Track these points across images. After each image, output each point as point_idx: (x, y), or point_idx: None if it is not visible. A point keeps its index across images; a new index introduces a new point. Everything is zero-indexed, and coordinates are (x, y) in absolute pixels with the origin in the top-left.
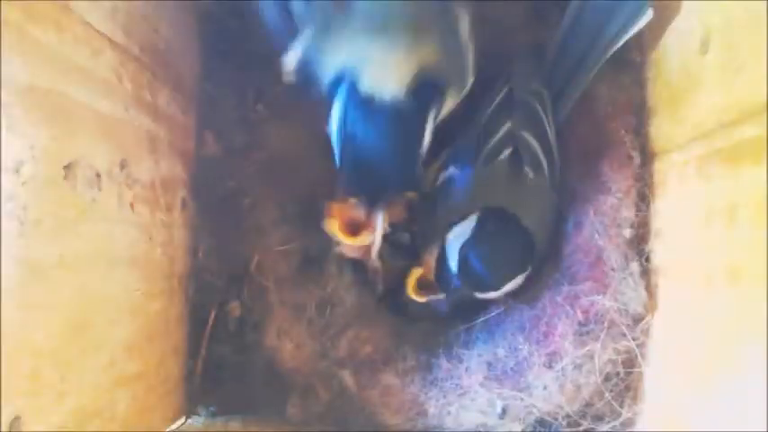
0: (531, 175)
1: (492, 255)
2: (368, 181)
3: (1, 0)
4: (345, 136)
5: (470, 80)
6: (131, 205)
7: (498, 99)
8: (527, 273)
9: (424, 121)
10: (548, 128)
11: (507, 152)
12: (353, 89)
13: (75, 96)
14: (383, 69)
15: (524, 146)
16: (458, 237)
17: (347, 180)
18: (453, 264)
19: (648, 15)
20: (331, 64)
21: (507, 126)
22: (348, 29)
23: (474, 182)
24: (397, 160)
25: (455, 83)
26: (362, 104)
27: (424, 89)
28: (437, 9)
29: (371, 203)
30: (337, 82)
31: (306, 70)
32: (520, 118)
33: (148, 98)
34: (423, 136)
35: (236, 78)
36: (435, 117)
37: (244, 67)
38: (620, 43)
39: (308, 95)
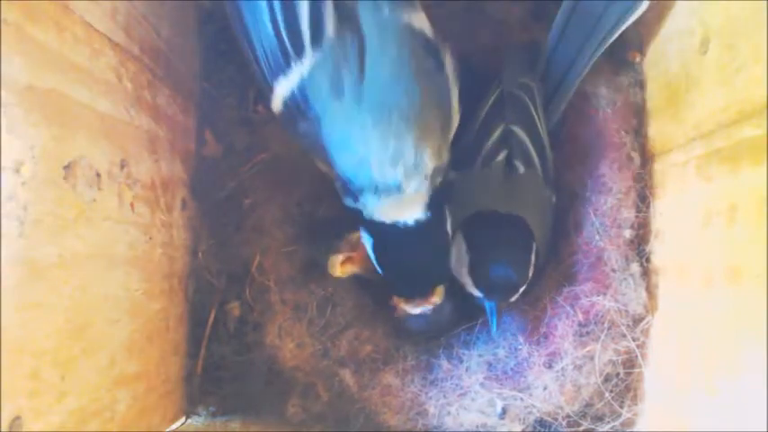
0: (521, 169)
1: (508, 257)
2: (411, 283)
3: (1, 0)
4: (379, 253)
5: (456, 123)
6: (131, 205)
7: (492, 100)
8: (535, 249)
9: (445, 223)
10: (537, 121)
11: (504, 154)
12: (378, 227)
13: (75, 96)
14: (401, 204)
15: (514, 140)
16: (458, 263)
17: (395, 289)
18: (472, 289)
19: (644, 6)
20: (341, 153)
21: (502, 127)
22: (358, 105)
23: (473, 185)
24: (431, 263)
25: (447, 140)
26: (388, 231)
27: (438, 194)
28: (428, 61)
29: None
30: (361, 221)
31: (297, 103)
32: (509, 112)
33: (148, 98)
34: (447, 234)
35: (237, 78)
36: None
37: (244, 68)
38: (617, 35)
39: (294, 129)
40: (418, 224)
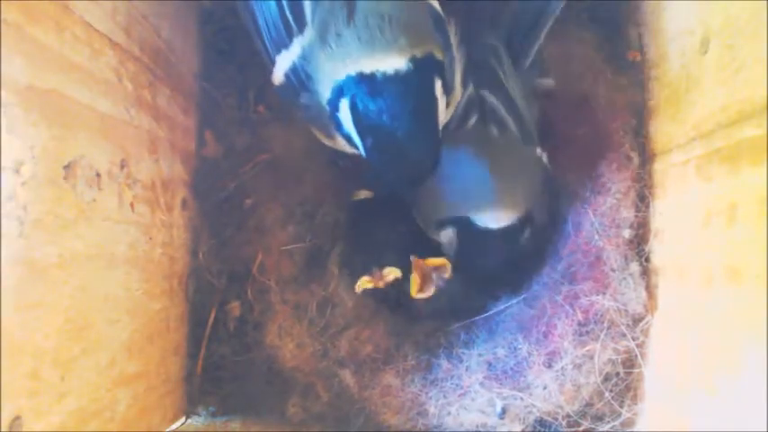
0: (495, 132)
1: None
2: (394, 166)
3: (1, 0)
4: (362, 129)
5: (458, 97)
6: (131, 205)
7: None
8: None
9: (432, 85)
10: (505, 83)
11: (474, 118)
12: (355, 81)
13: (76, 96)
14: (385, 52)
15: (486, 106)
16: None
17: (375, 169)
18: None
19: None
20: (329, 81)
21: (470, 89)
22: (346, 39)
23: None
24: (414, 134)
25: (449, 91)
26: (369, 88)
27: (429, 63)
28: (433, 25)
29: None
30: (338, 92)
31: (298, 75)
32: (478, 77)
33: (148, 98)
34: (435, 106)
35: (237, 78)
36: (447, 101)
37: (244, 68)
38: None
39: (295, 100)
40: (398, 74)
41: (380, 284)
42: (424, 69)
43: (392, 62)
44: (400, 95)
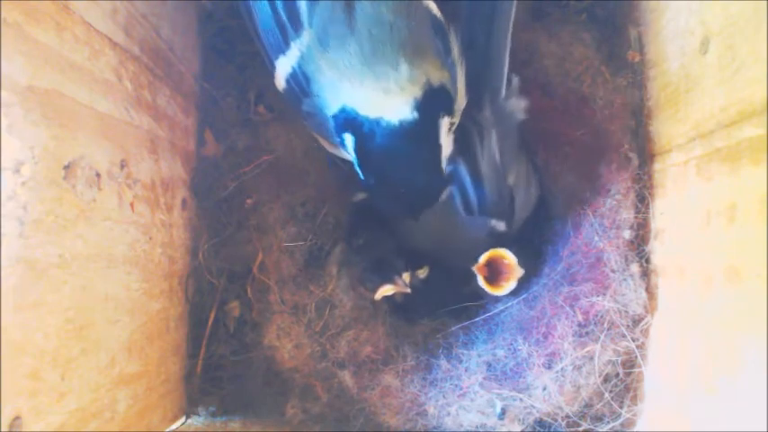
0: (462, 213)
1: None
2: (392, 203)
3: (1, 0)
4: (365, 168)
5: (463, 102)
6: (131, 205)
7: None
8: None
9: (437, 132)
10: (480, 158)
11: (448, 191)
12: (360, 122)
13: (76, 96)
14: (387, 95)
15: (457, 180)
16: None
17: (377, 200)
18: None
19: None
20: (331, 96)
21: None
22: (348, 46)
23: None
24: (416, 184)
25: (453, 101)
26: (374, 133)
27: (433, 100)
28: (432, 31)
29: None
30: (343, 123)
31: (298, 81)
32: (456, 147)
33: (148, 98)
34: (438, 155)
35: (237, 78)
36: (450, 127)
37: (244, 68)
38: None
39: (298, 107)
40: (403, 125)
41: (407, 290)
42: (428, 113)
43: (396, 107)
44: (405, 150)
